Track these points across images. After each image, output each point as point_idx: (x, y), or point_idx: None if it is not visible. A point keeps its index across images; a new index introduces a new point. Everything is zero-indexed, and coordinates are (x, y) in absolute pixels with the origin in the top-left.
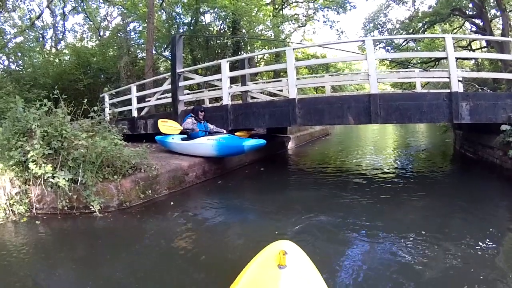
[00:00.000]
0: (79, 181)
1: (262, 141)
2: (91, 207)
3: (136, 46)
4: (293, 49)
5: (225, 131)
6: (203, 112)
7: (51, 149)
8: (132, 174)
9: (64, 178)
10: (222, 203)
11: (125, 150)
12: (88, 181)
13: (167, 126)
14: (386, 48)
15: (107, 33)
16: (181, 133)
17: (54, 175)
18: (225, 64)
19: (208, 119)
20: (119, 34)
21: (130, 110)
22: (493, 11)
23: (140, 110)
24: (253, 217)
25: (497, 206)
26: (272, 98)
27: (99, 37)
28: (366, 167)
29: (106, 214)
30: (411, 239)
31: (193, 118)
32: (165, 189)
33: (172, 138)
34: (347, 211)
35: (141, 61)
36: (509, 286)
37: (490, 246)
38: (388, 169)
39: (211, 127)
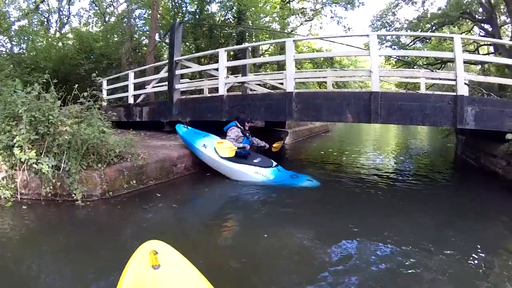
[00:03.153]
0: (61, 168)
1: (316, 184)
2: (73, 195)
3: (141, 33)
4: (294, 41)
5: (267, 145)
6: (249, 123)
7: (37, 134)
8: (117, 163)
9: (47, 165)
10: (209, 196)
11: (111, 138)
12: (71, 168)
13: (225, 148)
14: (393, 47)
15: (113, 19)
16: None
17: (38, 161)
18: (222, 53)
19: (202, 110)
20: (124, 20)
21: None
22: (503, 18)
23: (137, 97)
24: (239, 211)
25: (497, 219)
26: (269, 91)
27: (104, 23)
28: (363, 168)
29: (88, 203)
30: (401, 247)
31: (239, 129)
32: (151, 180)
33: (205, 146)
34: (336, 212)
35: (144, 48)
36: None
37: (481, 260)
38: (386, 172)
39: (254, 142)
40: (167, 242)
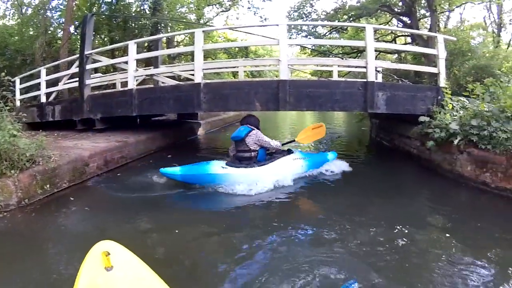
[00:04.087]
0: None
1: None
2: None
3: (57, 25)
4: (203, 31)
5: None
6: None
7: None
8: (29, 167)
9: None
10: (121, 197)
11: (21, 141)
12: None
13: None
14: (308, 37)
15: (30, 11)
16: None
17: None
18: (132, 45)
19: (113, 105)
20: (40, 12)
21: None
22: (422, 11)
23: (50, 95)
24: (151, 208)
25: (417, 194)
26: (178, 82)
27: (21, 15)
28: None
29: (6, 213)
30: (322, 224)
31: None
32: (65, 182)
33: (223, 167)
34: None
35: (59, 42)
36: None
37: (406, 234)
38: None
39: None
40: (84, 248)
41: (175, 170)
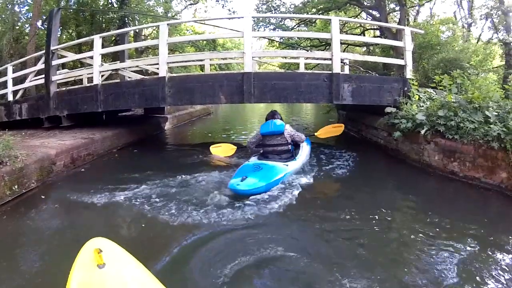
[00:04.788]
0: None
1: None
2: None
3: (25, 20)
4: (168, 24)
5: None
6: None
7: None
8: None
9: None
10: (89, 194)
11: None
12: None
13: (220, 149)
14: (277, 30)
15: None
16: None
17: None
18: (97, 39)
19: (79, 102)
20: (8, 7)
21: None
22: (392, 5)
23: (16, 93)
24: (118, 201)
25: (387, 182)
26: (143, 76)
27: None
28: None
29: None
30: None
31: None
32: (33, 182)
33: (279, 166)
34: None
35: (26, 37)
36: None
37: (382, 218)
38: None
39: None
40: (62, 247)
41: (255, 183)
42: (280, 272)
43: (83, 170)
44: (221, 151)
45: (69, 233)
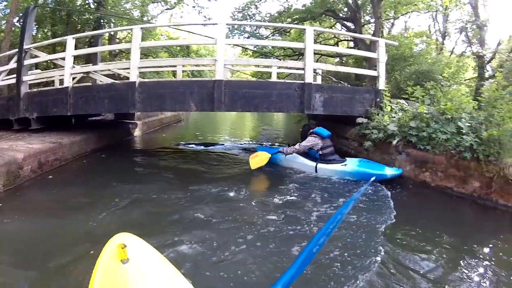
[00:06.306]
0: None
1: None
2: None
3: (2, 16)
4: (141, 28)
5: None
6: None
7: None
8: None
9: None
10: (56, 200)
11: None
12: None
13: (257, 159)
14: (251, 38)
15: None
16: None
17: None
18: (70, 41)
19: (49, 104)
20: None
21: None
22: (367, 17)
23: None
24: (85, 210)
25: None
26: (114, 81)
27: None
28: (222, 155)
29: None
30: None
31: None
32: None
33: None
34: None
35: (2, 34)
36: None
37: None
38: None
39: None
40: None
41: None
42: None
43: (50, 176)
44: (259, 160)
45: (33, 240)
